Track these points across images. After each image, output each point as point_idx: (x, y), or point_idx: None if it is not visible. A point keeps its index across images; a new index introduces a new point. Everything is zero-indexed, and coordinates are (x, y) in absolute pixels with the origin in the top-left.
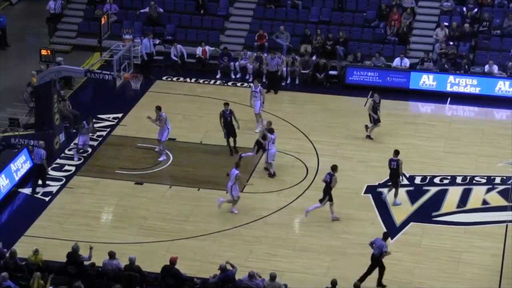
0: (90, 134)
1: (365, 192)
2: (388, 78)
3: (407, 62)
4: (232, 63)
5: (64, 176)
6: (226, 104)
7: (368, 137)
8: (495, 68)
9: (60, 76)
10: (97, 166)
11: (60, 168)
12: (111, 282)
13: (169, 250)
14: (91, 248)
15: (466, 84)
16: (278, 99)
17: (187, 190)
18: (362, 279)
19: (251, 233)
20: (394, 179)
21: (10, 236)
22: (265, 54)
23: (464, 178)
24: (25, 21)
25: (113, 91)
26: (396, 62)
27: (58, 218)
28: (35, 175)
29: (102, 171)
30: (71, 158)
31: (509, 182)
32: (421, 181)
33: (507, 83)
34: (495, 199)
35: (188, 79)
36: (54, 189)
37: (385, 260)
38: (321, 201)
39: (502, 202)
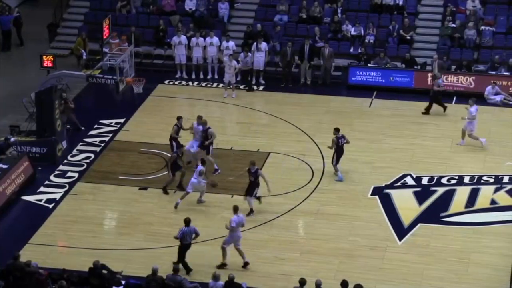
0: None
1: (372, 194)
2: (391, 78)
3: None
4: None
5: (68, 183)
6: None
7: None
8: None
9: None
10: (101, 172)
11: (63, 174)
12: None
13: (175, 256)
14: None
15: (470, 83)
16: (282, 101)
17: (192, 194)
18: None
19: (257, 237)
20: (340, 156)
21: (14, 244)
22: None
23: (472, 178)
24: (25, 26)
25: (115, 95)
26: (488, 90)
27: (62, 225)
28: None
29: (106, 177)
30: (74, 165)
31: None
32: (428, 182)
33: None
34: (503, 198)
35: (190, 83)
36: (57, 196)
37: (394, 262)
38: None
39: (511, 201)
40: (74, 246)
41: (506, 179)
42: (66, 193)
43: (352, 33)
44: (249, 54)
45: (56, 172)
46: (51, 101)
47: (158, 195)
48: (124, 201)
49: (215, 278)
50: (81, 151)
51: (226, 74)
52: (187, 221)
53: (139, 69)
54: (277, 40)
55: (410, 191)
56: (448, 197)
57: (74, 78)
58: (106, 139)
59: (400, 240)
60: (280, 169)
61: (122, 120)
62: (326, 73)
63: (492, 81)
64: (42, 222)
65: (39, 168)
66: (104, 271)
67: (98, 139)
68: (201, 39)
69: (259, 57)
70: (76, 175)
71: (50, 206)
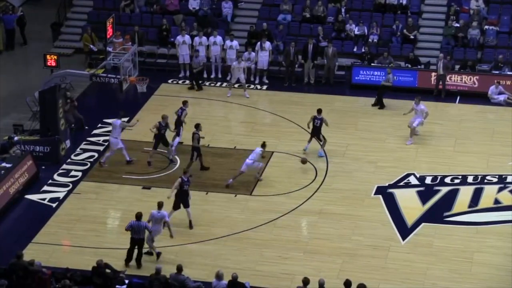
0: None
1: (375, 193)
2: (395, 77)
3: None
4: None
5: (71, 182)
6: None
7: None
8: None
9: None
10: (104, 171)
11: (66, 174)
12: None
13: (178, 255)
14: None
15: (474, 82)
16: (285, 101)
17: (195, 194)
18: None
19: (261, 236)
20: (317, 135)
21: (17, 243)
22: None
23: (475, 177)
24: (28, 25)
25: (118, 95)
26: (491, 90)
27: (65, 224)
28: None
29: (109, 176)
30: (77, 163)
31: None
32: (431, 181)
33: None
34: (507, 198)
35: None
36: (61, 195)
37: (397, 261)
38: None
39: None
40: (78, 245)
41: (509, 179)
42: (69, 192)
43: (356, 32)
44: (252, 53)
45: (60, 171)
46: (55, 100)
47: (162, 194)
48: (128, 200)
49: (218, 277)
50: (85, 150)
51: (235, 74)
52: (138, 216)
53: (142, 68)
54: (280, 40)
55: (413, 191)
56: (451, 196)
57: (78, 77)
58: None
59: (403, 239)
60: (283, 169)
61: (125, 119)
62: (329, 72)
63: (495, 81)
64: (46, 221)
65: (43, 167)
66: (108, 270)
67: (101, 138)
68: (204, 38)
69: (263, 56)
70: (79, 174)
71: (54, 205)
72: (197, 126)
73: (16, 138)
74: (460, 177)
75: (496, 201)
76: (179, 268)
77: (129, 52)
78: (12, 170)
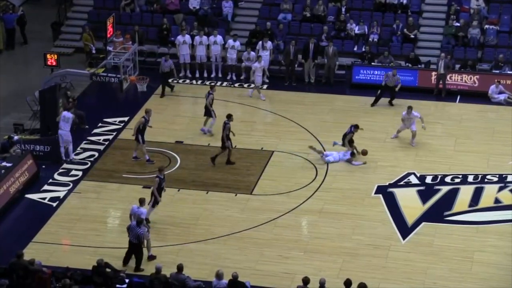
0: None
1: (376, 193)
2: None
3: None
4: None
5: (71, 181)
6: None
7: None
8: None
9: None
10: (104, 170)
11: (67, 173)
12: None
13: (179, 254)
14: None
15: (474, 82)
16: (286, 100)
17: (196, 193)
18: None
19: (261, 235)
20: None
21: (18, 242)
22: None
23: (476, 176)
24: (29, 24)
25: (119, 94)
26: (492, 89)
27: (66, 224)
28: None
29: (110, 176)
30: (77, 162)
31: None
32: (432, 181)
33: None
34: (507, 197)
35: (194, 81)
36: (61, 194)
37: (397, 261)
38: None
39: None
40: (78, 245)
41: (510, 178)
42: (70, 191)
43: (356, 31)
44: (252, 52)
45: (60, 171)
46: (55, 100)
47: (162, 194)
48: (128, 199)
49: (219, 276)
50: (85, 150)
51: (257, 76)
52: (139, 221)
53: (143, 67)
54: (281, 39)
55: (414, 190)
56: (452, 196)
57: (78, 77)
58: (110, 137)
59: (403, 239)
60: (283, 168)
61: (126, 119)
62: (330, 72)
63: (496, 80)
64: (46, 221)
65: (43, 166)
66: (108, 270)
67: (102, 138)
68: (204, 37)
69: (264, 55)
70: (80, 173)
71: (54, 204)
72: (229, 117)
73: (16, 138)
74: (460, 176)
75: (497, 201)
76: (180, 268)
77: (129, 52)
78: (12, 169)
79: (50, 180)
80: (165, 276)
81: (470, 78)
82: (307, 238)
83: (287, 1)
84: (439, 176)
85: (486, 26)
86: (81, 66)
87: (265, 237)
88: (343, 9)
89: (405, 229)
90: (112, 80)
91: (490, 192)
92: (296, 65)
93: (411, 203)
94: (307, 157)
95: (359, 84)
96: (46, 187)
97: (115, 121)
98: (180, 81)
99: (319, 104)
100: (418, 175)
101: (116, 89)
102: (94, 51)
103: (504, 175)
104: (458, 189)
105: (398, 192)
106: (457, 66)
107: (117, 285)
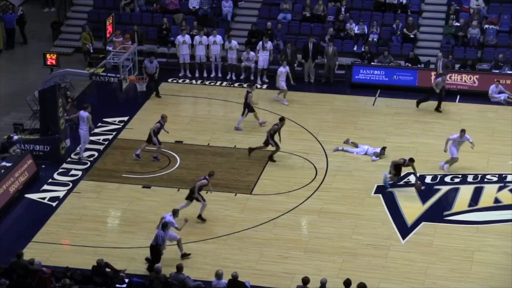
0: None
1: (375, 192)
2: (395, 76)
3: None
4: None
5: (71, 181)
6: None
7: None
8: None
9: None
10: (104, 170)
11: (66, 173)
12: None
13: (178, 254)
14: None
15: (474, 81)
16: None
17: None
18: None
19: (261, 235)
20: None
21: (17, 242)
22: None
23: (475, 176)
24: (28, 24)
25: (118, 94)
26: (491, 89)
27: (65, 223)
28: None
29: (109, 175)
30: (77, 162)
31: None
32: (431, 180)
33: None
34: (507, 197)
35: (194, 81)
36: (61, 194)
37: (397, 261)
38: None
39: None
40: (78, 244)
41: (509, 178)
42: (69, 191)
43: (356, 31)
44: (251, 52)
45: (60, 170)
46: (55, 99)
47: (162, 194)
48: (128, 199)
49: (218, 276)
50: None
51: (281, 81)
52: (164, 225)
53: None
54: (280, 39)
55: (413, 190)
56: (451, 195)
57: (78, 76)
58: (110, 137)
59: (403, 238)
60: (283, 168)
61: (125, 118)
62: (329, 71)
63: (495, 80)
64: (46, 220)
65: (43, 166)
66: (108, 270)
67: (101, 137)
68: (204, 37)
69: (264, 55)
70: (79, 173)
71: (54, 204)
72: (282, 120)
73: (16, 137)
74: (460, 176)
75: (496, 200)
76: (179, 267)
77: (129, 51)
78: (12, 169)
79: (50, 180)
80: (165, 276)
81: (470, 78)
82: (307, 238)
83: (287, 1)
84: (439, 176)
85: (486, 26)
86: (81, 66)
87: (265, 237)
88: (343, 9)
89: (405, 229)
90: (111, 80)
91: (489, 192)
92: (295, 65)
93: (411, 203)
94: (306, 157)
95: (359, 84)
96: (45, 186)
97: (115, 121)
98: (180, 81)
99: (319, 104)
100: (417, 174)
101: (116, 89)
102: (91, 50)
103: (503, 175)
104: (458, 189)
105: (398, 191)
106: (457, 65)
107: (117, 285)
